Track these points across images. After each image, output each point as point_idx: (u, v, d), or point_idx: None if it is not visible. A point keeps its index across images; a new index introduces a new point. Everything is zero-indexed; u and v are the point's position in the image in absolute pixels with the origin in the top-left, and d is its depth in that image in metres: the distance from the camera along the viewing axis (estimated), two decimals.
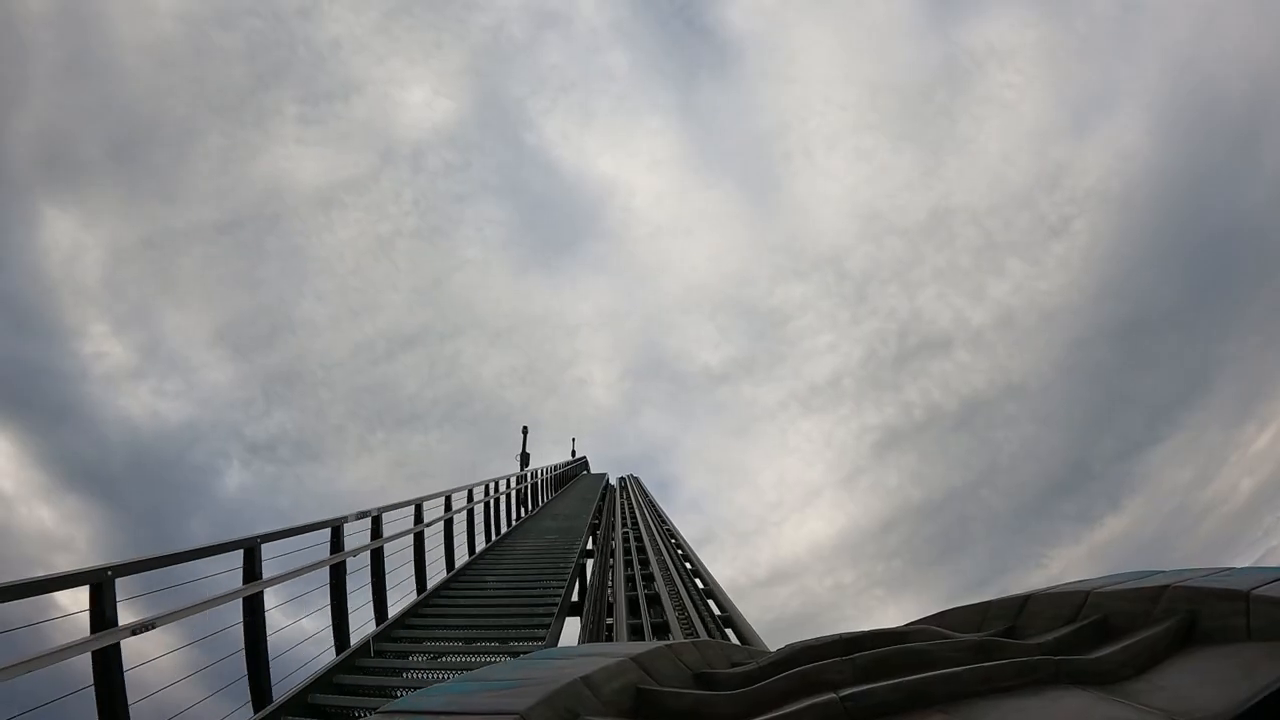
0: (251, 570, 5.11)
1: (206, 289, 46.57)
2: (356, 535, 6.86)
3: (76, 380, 38.24)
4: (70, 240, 39.11)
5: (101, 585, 3.77)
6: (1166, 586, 1.73)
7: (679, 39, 53.29)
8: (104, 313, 41.39)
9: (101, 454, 37.84)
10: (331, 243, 48.86)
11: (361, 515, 7.07)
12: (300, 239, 47.51)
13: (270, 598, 5.43)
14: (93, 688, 3.68)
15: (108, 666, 3.73)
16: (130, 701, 3.83)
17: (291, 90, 47.46)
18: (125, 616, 3.93)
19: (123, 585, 3.92)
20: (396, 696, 5.35)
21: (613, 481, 26.94)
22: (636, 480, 26.90)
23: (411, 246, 50.49)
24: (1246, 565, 1.80)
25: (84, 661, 3.66)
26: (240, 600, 5.00)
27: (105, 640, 3.72)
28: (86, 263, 40.55)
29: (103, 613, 3.75)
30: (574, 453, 33.11)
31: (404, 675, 6.15)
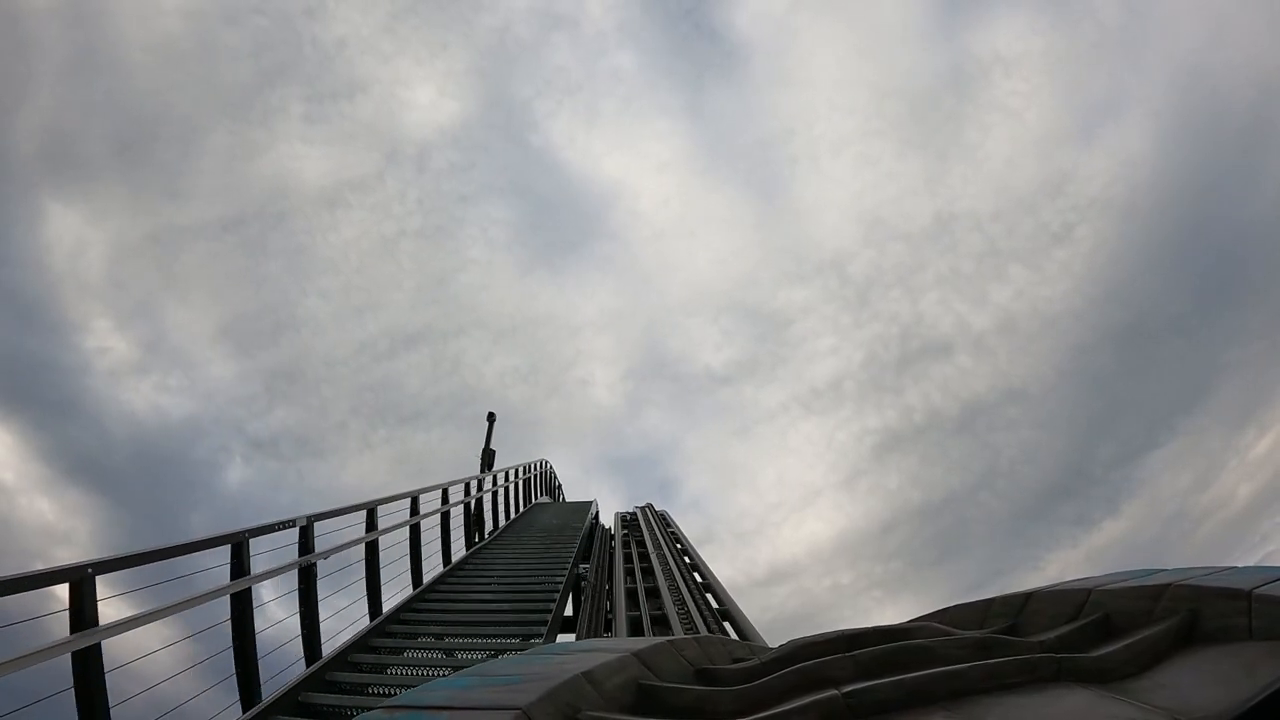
0: (239, 566, 4.98)
1: (210, 285, 46.59)
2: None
3: (79, 374, 38.34)
4: (74, 236, 39.19)
5: (82, 583, 3.62)
6: (1168, 585, 1.73)
7: (688, 41, 53.21)
8: (108, 308, 41.41)
9: (104, 448, 37.99)
10: (336, 241, 48.90)
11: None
12: (305, 237, 47.54)
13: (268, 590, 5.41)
14: (73, 689, 3.55)
15: (88, 667, 3.60)
16: (116, 702, 3.70)
17: (297, 89, 47.49)
18: (117, 613, 3.80)
19: (114, 581, 3.83)
20: None
21: (607, 520, 14.61)
22: (663, 518, 14.03)
23: (416, 246, 50.55)
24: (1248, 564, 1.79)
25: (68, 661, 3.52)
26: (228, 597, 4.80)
27: (86, 640, 3.58)
28: (90, 258, 40.60)
29: (82, 611, 3.60)
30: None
31: None
